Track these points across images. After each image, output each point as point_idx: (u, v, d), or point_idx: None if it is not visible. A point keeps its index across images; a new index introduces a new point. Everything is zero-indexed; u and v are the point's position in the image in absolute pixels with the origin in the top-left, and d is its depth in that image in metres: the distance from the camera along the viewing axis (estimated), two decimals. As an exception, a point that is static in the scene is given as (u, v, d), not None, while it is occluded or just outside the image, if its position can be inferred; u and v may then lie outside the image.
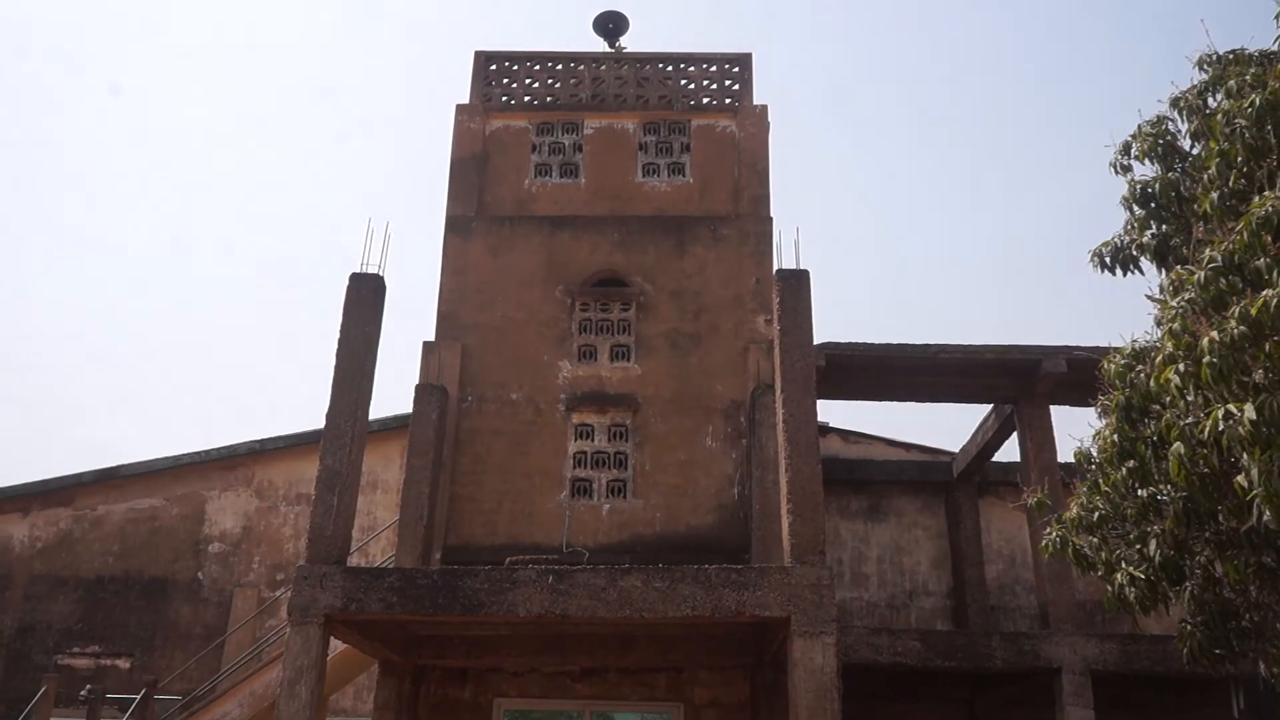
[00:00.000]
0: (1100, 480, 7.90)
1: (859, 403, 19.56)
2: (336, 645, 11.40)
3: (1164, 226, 7.90)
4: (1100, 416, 8.07)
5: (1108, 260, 8.25)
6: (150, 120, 46.98)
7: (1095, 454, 8.08)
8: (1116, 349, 7.78)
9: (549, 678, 12.69)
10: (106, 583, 17.12)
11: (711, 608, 9.49)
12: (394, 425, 16.63)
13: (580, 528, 13.31)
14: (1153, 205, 7.96)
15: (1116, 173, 8.25)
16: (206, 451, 17.74)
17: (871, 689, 12.76)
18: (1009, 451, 15.62)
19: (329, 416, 10.61)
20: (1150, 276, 8.16)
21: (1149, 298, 7.51)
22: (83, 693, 13.83)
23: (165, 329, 43.44)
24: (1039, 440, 13.61)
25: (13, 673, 16.57)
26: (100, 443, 39.10)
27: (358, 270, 11.14)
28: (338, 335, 10.95)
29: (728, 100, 15.95)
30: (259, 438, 17.71)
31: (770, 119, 15.76)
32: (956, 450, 17.31)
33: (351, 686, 15.66)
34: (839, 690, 9.27)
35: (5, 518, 17.61)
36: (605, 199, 15.34)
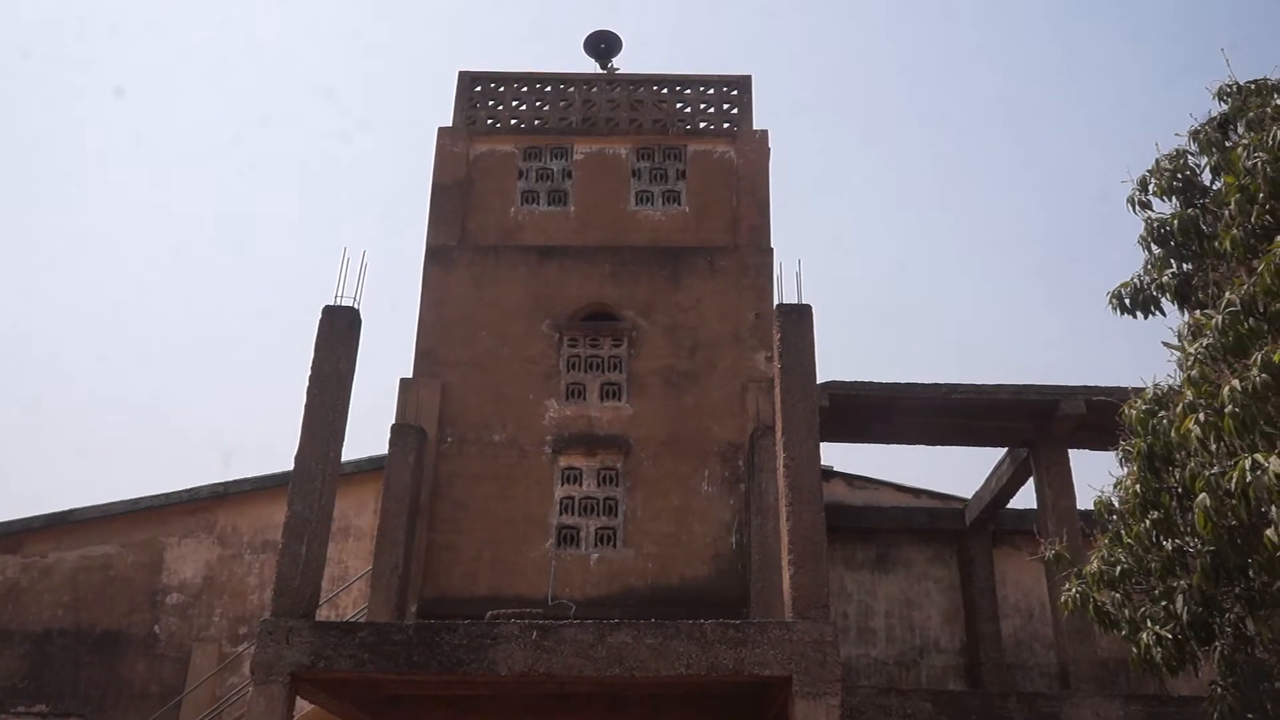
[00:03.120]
0: (1123, 532, 7.92)
1: (865, 445, 19.58)
2: (303, 706, 11.30)
3: (1185, 265, 7.99)
4: (1121, 464, 8.11)
5: (1127, 302, 8.33)
6: (151, 120, 47.89)
7: (1117, 504, 8.12)
8: (1138, 392, 7.83)
9: (532, 741, 12.57)
10: (55, 636, 16.93)
11: (707, 666, 9.44)
12: (368, 467, 16.56)
13: (567, 579, 13.26)
14: (1171, 243, 8.06)
15: (1134, 210, 8.36)
16: (166, 495, 17.63)
17: (879, 754, 12.67)
18: (1025, 498, 15.65)
19: (298, 458, 10.58)
20: (1173, 317, 8.25)
21: (1166, 345, 7.58)
22: (27, 757, 13.66)
23: (165, 331, 44.26)
24: (1057, 486, 13.64)
25: (-48, 734, 16.36)
26: (93, 446, 39.69)
27: (331, 303, 11.17)
28: (309, 371, 10.96)
29: (726, 125, 16.12)
30: (223, 480, 17.64)
31: (771, 144, 15.94)
32: (969, 496, 17.32)
33: (319, 750, 15.47)
34: (844, 757, 9.20)
35: (-52, 566, 17.45)
36: (596, 228, 15.44)
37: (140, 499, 17.64)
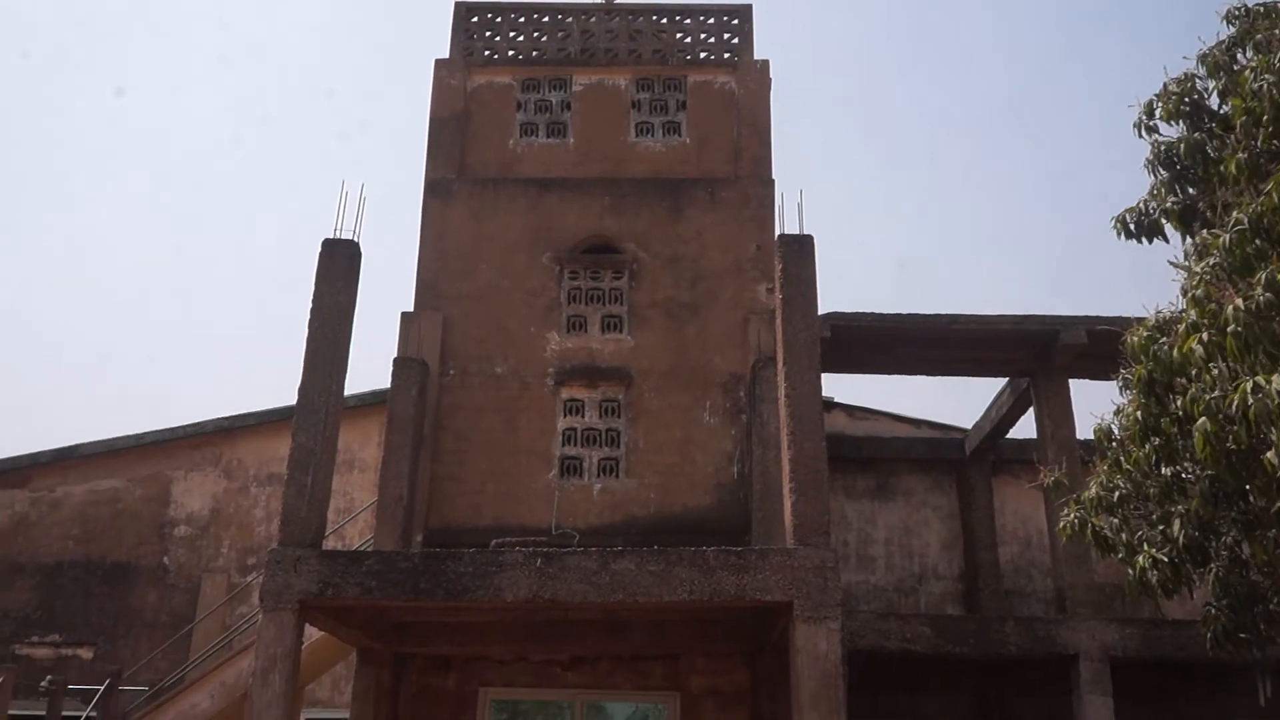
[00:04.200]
0: (1122, 458, 7.95)
1: (866, 376, 19.61)
2: (312, 633, 11.48)
3: (1190, 189, 7.91)
4: (1122, 392, 8.12)
5: (1132, 227, 8.25)
6: (152, 121, 47.59)
7: (1117, 430, 8.14)
8: (1140, 320, 7.80)
9: (538, 666, 12.80)
10: (66, 568, 17.17)
11: (709, 592, 9.55)
12: (371, 401, 16.66)
13: (570, 509, 13.37)
14: (1177, 167, 7.96)
15: (1140, 135, 8.23)
16: (171, 429, 17.76)
17: (879, 677, 12.89)
18: (1025, 428, 15.72)
19: (302, 391, 10.60)
20: (1176, 243, 8.18)
21: (1172, 264, 7.53)
22: (43, 684, 13.89)
23: (165, 331, 44.41)
24: (1057, 416, 13.68)
25: (-32, 664, 16.63)
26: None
27: (331, 236, 11.10)
28: (310, 305, 10.93)
29: (726, 55, 15.87)
30: (228, 414, 17.73)
31: (772, 75, 15.72)
32: (969, 426, 17.39)
33: (328, 676, 15.76)
34: (844, 678, 9.36)
35: (-43, 501, 17.62)
36: (595, 160, 15.28)
37: (145, 434, 17.78)
